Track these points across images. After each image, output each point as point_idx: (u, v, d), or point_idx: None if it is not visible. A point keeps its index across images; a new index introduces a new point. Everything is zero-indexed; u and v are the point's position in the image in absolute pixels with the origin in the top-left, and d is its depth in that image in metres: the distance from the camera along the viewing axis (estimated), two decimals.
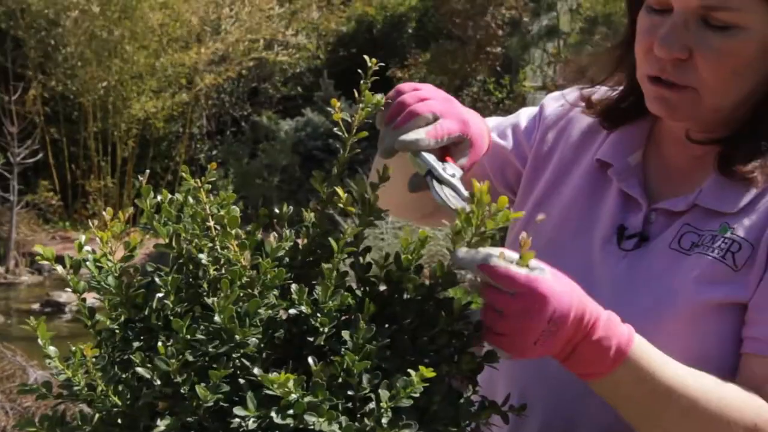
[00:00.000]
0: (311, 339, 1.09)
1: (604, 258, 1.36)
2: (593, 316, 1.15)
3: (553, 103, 1.53)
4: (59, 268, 1.11)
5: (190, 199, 1.16)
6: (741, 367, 1.27)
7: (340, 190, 1.17)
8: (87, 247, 1.13)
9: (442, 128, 1.26)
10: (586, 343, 1.15)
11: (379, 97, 1.24)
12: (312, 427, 1.00)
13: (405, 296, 1.14)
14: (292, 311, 1.11)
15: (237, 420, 1.01)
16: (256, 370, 1.05)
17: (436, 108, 1.28)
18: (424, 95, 1.29)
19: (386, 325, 1.10)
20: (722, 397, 1.22)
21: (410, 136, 1.25)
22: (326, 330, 1.09)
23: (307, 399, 1.01)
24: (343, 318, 1.11)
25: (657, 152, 1.41)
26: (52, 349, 1.09)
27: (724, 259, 1.28)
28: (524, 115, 1.54)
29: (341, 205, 1.17)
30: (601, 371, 1.17)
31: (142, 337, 1.12)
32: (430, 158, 1.24)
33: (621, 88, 1.44)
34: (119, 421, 1.07)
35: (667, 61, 1.28)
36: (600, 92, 1.47)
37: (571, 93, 1.52)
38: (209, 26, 12.53)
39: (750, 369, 1.26)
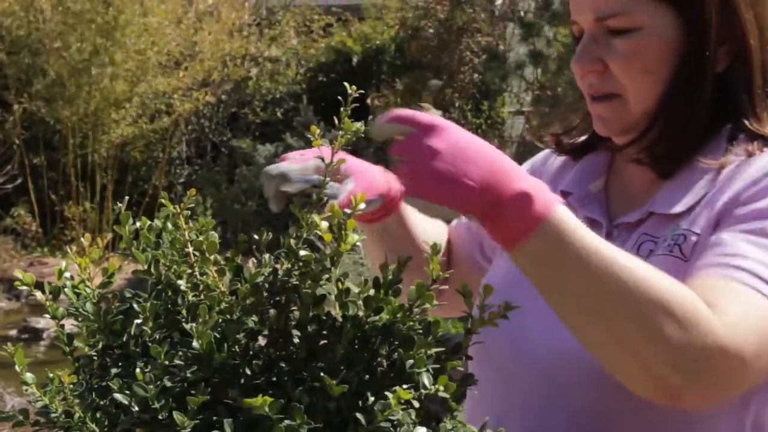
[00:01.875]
0: (289, 364, 1.09)
1: None
2: (510, 165, 1.15)
3: (524, 167, 1.61)
4: (38, 294, 1.11)
5: (169, 225, 1.16)
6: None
7: (317, 218, 1.18)
8: (65, 273, 1.13)
9: (307, 156, 1.33)
10: (507, 192, 1.13)
11: (358, 125, 1.25)
12: None
13: (383, 320, 1.14)
14: (270, 336, 1.11)
15: None
16: (233, 393, 1.05)
17: (305, 153, 1.34)
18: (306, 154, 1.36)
19: (364, 350, 1.10)
20: (650, 274, 1.16)
21: (272, 166, 1.31)
22: (304, 355, 1.09)
23: (285, 423, 1.01)
24: (321, 342, 1.11)
25: (618, 178, 1.47)
26: (29, 376, 1.09)
27: (671, 253, 1.31)
28: None
29: (319, 232, 1.17)
30: (524, 228, 1.13)
31: (120, 364, 1.12)
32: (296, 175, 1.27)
33: (581, 126, 1.53)
34: None
35: (591, 76, 1.38)
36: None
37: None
38: (186, 51, 12.52)
39: (695, 284, 1.23)
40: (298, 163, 1.30)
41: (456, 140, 1.16)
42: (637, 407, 1.28)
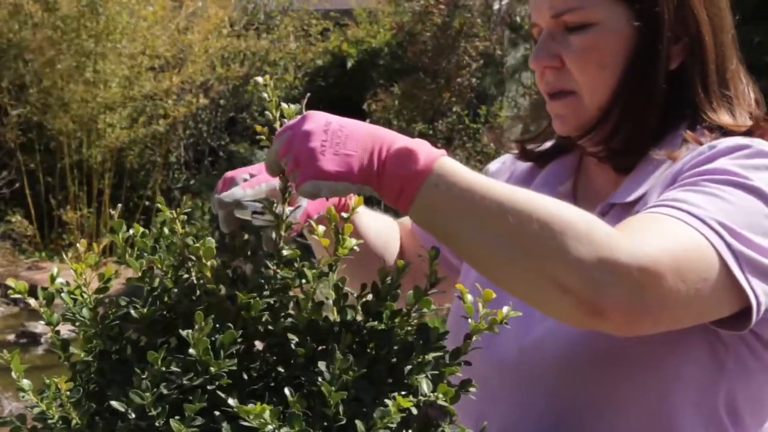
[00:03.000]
0: (287, 370, 1.09)
1: None
2: (386, 131, 1.19)
3: (495, 164, 1.65)
4: (32, 301, 1.10)
5: (166, 230, 1.16)
6: None
7: (313, 223, 1.17)
8: (62, 279, 1.13)
9: (257, 179, 1.32)
10: (388, 152, 1.15)
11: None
12: None
13: (381, 325, 1.14)
14: (267, 341, 1.10)
15: None
16: (231, 401, 1.04)
17: (253, 170, 1.35)
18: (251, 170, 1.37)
19: (363, 355, 1.10)
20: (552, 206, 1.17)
21: (225, 193, 1.30)
22: (302, 360, 1.08)
23: (283, 430, 1.01)
24: (320, 348, 1.11)
25: (585, 180, 1.50)
26: (26, 382, 1.08)
27: None
28: None
29: (316, 237, 1.17)
30: (413, 182, 1.14)
31: (116, 370, 1.11)
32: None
33: (543, 132, 1.55)
34: None
35: (548, 73, 1.40)
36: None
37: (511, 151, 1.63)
38: (177, 53, 12.50)
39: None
40: (250, 187, 1.30)
41: (326, 120, 1.18)
42: (608, 392, 1.31)
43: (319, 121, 1.18)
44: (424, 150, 1.16)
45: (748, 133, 1.38)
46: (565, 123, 1.43)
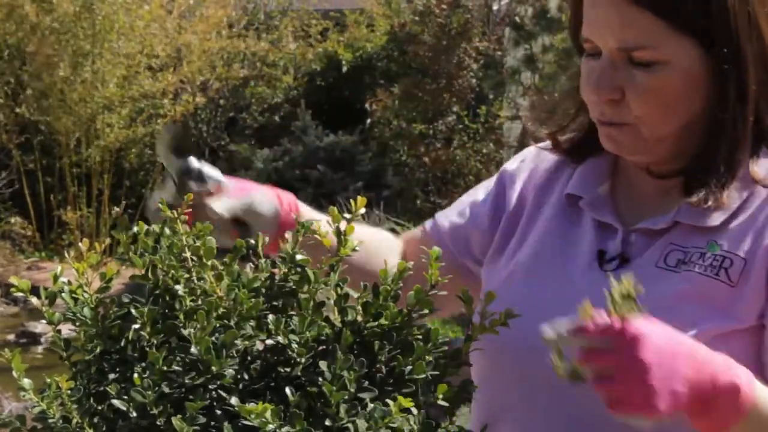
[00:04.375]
0: (288, 369, 1.09)
1: (588, 284, 1.36)
2: (709, 356, 1.16)
3: (511, 164, 1.58)
4: (34, 300, 1.11)
5: (167, 230, 1.16)
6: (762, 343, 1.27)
7: (317, 223, 1.18)
8: (63, 278, 1.13)
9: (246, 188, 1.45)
10: (718, 388, 1.15)
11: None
12: None
13: (382, 325, 1.14)
14: (268, 342, 1.10)
15: None
16: (233, 401, 1.05)
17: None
18: None
19: (363, 355, 1.10)
20: None
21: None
22: (303, 360, 1.08)
23: (284, 429, 1.01)
24: (320, 348, 1.11)
25: (624, 182, 1.43)
26: (26, 382, 1.08)
27: (717, 277, 1.29)
28: (481, 188, 1.61)
29: (318, 237, 1.17)
30: (736, 418, 1.17)
31: (117, 369, 1.11)
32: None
33: (583, 127, 1.46)
34: None
35: (604, 103, 1.32)
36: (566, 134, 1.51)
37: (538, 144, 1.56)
38: (173, 53, 12.49)
39: None
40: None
41: (661, 348, 1.12)
42: None
43: (656, 350, 1.11)
44: (746, 385, 1.16)
45: None
46: (620, 148, 1.36)
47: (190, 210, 1.27)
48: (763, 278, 1.28)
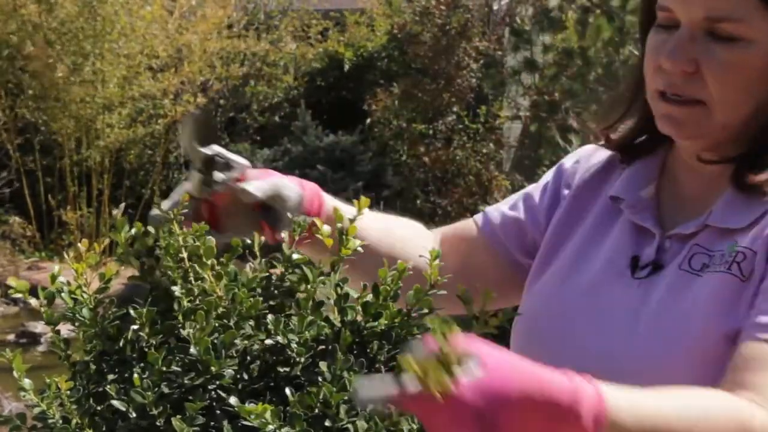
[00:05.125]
0: (287, 369, 1.09)
1: (618, 290, 1.34)
2: (561, 392, 1.02)
3: (571, 159, 1.54)
4: (33, 301, 1.11)
5: (164, 231, 1.16)
6: (732, 354, 1.23)
7: (318, 221, 1.17)
8: (62, 279, 1.13)
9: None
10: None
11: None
12: None
13: (382, 326, 1.14)
14: (268, 342, 1.10)
15: None
16: (232, 401, 1.05)
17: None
18: None
19: (363, 355, 1.10)
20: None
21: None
22: (302, 360, 1.08)
23: (284, 430, 1.01)
24: (320, 348, 1.11)
25: (671, 183, 1.40)
26: (27, 382, 1.08)
27: (730, 271, 1.27)
28: (538, 184, 1.55)
29: (319, 236, 1.17)
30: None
31: (117, 370, 1.11)
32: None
33: (634, 124, 1.43)
34: None
35: (676, 75, 1.28)
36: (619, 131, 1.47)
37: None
38: (174, 53, 12.49)
39: (738, 354, 1.21)
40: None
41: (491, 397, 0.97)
42: None
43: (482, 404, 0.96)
44: (592, 414, 1.02)
45: None
46: (681, 130, 1.31)
47: (219, 196, 1.29)
48: (763, 262, 1.26)
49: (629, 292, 1.33)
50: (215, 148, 1.32)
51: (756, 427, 1.15)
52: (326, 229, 1.16)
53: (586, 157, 1.52)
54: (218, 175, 1.32)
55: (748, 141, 1.31)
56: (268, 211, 1.31)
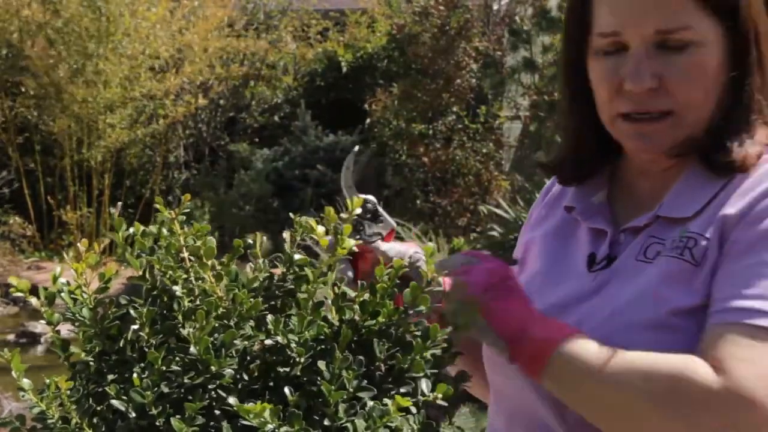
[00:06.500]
0: (287, 369, 1.09)
1: (576, 285, 1.41)
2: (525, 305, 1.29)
3: (541, 195, 1.61)
4: (33, 300, 1.11)
5: (165, 231, 1.16)
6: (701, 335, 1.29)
7: (313, 223, 1.18)
8: (62, 279, 1.13)
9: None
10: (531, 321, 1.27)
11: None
12: None
13: (379, 324, 1.14)
14: (267, 342, 1.10)
15: None
16: (231, 400, 1.05)
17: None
18: None
19: (362, 353, 1.10)
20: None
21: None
22: (302, 360, 1.08)
23: (283, 429, 1.01)
24: (319, 348, 1.11)
25: (622, 189, 1.46)
26: (26, 382, 1.08)
27: (682, 256, 1.31)
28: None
29: (315, 237, 1.17)
30: (541, 354, 1.24)
31: (116, 369, 1.11)
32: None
33: (574, 151, 1.49)
34: None
35: (642, 94, 1.32)
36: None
37: None
38: (176, 54, 12.49)
39: (710, 337, 1.26)
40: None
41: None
42: None
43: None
44: (548, 329, 1.26)
45: None
46: (655, 145, 1.36)
47: (362, 247, 1.33)
48: (716, 249, 1.30)
49: (585, 284, 1.40)
50: (371, 199, 1.39)
51: (695, 378, 1.20)
52: (320, 229, 1.16)
53: (549, 185, 1.59)
54: (367, 225, 1.38)
55: (710, 130, 1.35)
56: (406, 285, 1.29)
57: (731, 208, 1.30)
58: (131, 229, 1.15)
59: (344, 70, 13.52)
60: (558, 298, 1.40)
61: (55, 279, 1.12)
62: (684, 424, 1.20)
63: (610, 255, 1.40)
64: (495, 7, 11.53)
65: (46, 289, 1.12)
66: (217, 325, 1.09)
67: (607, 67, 1.35)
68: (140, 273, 1.14)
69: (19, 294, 1.12)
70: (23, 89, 12.08)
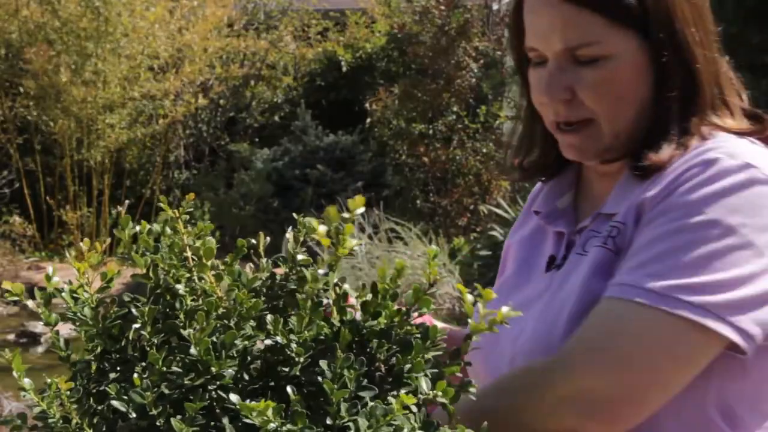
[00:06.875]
0: (287, 369, 1.09)
1: (536, 287, 1.48)
2: None
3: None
4: (30, 303, 1.11)
5: (168, 230, 1.16)
6: None
7: (315, 223, 1.18)
8: (64, 278, 1.13)
9: None
10: None
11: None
12: None
13: (381, 324, 1.14)
14: (268, 341, 1.11)
15: None
16: (234, 398, 1.05)
17: None
18: None
19: (362, 354, 1.10)
20: None
21: None
22: (302, 360, 1.09)
23: (286, 428, 1.01)
24: (319, 348, 1.11)
25: (586, 189, 1.52)
26: (27, 381, 1.09)
27: (605, 245, 1.37)
28: None
29: (316, 237, 1.17)
30: None
31: (117, 369, 1.11)
32: None
33: (540, 151, 1.55)
34: None
35: (558, 105, 1.39)
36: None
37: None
38: (175, 53, 12.49)
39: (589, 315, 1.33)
40: None
41: None
42: None
43: None
44: None
45: (743, 134, 1.40)
46: (583, 153, 1.43)
47: None
48: (632, 237, 1.35)
49: (541, 285, 1.47)
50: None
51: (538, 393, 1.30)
52: (322, 229, 1.16)
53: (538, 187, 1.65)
54: None
55: (639, 136, 1.40)
56: None
57: (648, 193, 1.35)
58: (137, 228, 1.15)
59: (344, 69, 13.52)
60: (520, 299, 1.45)
61: (48, 279, 1.12)
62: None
63: (566, 255, 1.46)
64: (495, 7, 11.53)
65: (43, 289, 1.13)
66: (217, 325, 1.09)
67: (535, 78, 1.42)
68: (145, 271, 1.14)
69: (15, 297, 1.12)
70: (23, 89, 12.07)
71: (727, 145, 1.35)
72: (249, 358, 1.10)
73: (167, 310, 1.14)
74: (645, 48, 1.37)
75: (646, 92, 1.38)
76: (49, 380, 1.08)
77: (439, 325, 1.19)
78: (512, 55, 1.50)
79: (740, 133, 1.40)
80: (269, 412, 1.00)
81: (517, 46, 1.46)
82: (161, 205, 1.17)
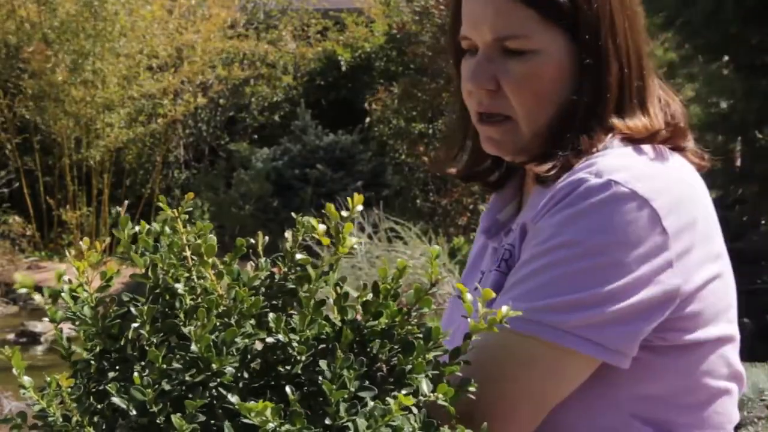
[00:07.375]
0: (288, 368, 1.09)
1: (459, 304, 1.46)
2: None
3: None
4: (37, 298, 1.11)
5: (167, 229, 1.16)
6: None
7: (314, 222, 1.18)
8: (64, 277, 1.13)
9: None
10: None
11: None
12: None
13: (382, 325, 1.14)
14: (268, 340, 1.11)
15: None
16: (233, 398, 1.05)
17: None
18: None
19: (363, 354, 1.10)
20: None
21: None
22: (303, 359, 1.09)
23: (284, 428, 1.01)
24: (320, 347, 1.11)
25: (525, 198, 1.50)
26: (26, 379, 1.09)
27: (499, 268, 1.39)
28: None
29: (316, 236, 1.17)
30: None
31: (117, 368, 1.11)
32: None
33: (472, 152, 1.54)
34: None
35: (482, 94, 1.40)
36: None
37: None
38: (175, 53, 12.48)
39: None
40: None
41: None
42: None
43: None
44: None
45: (650, 137, 1.38)
46: (500, 147, 1.43)
47: None
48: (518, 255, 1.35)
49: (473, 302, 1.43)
50: None
51: None
52: (321, 228, 1.16)
53: None
54: None
55: (550, 140, 1.39)
56: None
57: (528, 215, 1.36)
58: (137, 227, 1.15)
59: (343, 69, 13.52)
60: (456, 316, 1.44)
61: (59, 277, 1.13)
62: None
63: (490, 270, 1.45)
64: None
65: (50, 287, 1.13)
66: (218, 323, 1.09)
67: (465, 67, 1.43)
68: (144, 271, 1.14)
69: (21, 291, 1.12)
70: (23, 89, 12.07)
71: (601, 162, 1.32)
72: (249, 357, 1.10)
73: (166, 309, 1.14)
74: (571, 50, 1.37)
75: (564, 96, 1.38)
76: (49, 378, 1.08)
77: None
78: (449, 46, 1.50)
79: (651, 136, 1.38)
80: (268, 412, 1.00)
81: (453, 36, 1.46)
82: (160, 204, 1.17)
